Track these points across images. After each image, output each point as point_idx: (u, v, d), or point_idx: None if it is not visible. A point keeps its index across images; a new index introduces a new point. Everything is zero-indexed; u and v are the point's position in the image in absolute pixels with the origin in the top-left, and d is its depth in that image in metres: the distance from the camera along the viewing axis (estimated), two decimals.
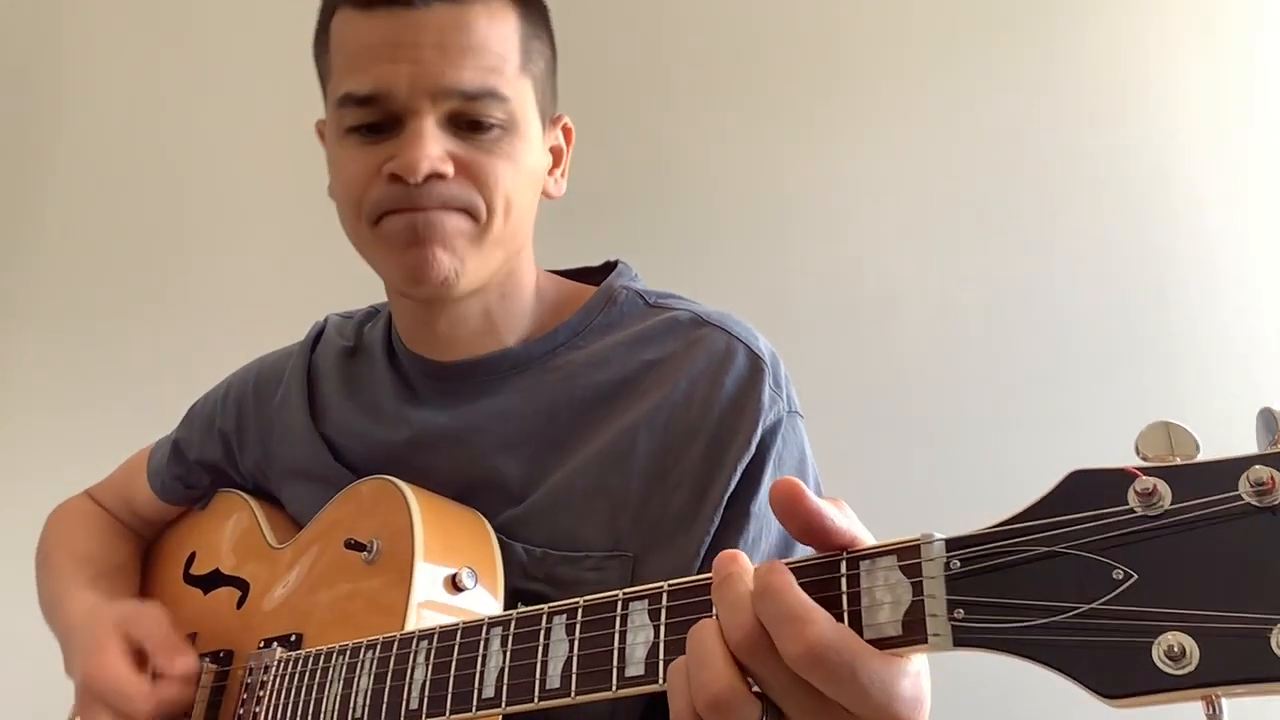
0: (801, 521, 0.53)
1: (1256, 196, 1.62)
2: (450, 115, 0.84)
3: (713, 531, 0.84)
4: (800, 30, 1.82)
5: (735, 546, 0.82)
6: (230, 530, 1.08)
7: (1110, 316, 1.61)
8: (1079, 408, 1.53)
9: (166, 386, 1.26)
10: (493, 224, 0.87)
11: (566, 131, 0.97)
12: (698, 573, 0.66)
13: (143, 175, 2.05)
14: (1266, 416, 0.46)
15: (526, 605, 0.69)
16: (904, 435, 1.62)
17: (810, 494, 0.53)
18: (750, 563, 0.55)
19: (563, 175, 0.97)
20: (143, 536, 1.19)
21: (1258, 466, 0.44)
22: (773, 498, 0.54)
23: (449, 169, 0.84)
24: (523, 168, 0.88)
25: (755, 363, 0.89)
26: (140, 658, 0.92)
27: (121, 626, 0.93)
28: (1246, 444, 0.46)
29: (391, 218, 0.86)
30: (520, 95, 0.87)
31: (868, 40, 1.80)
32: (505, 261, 0.91)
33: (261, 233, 1.96)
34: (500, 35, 0.85)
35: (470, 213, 0.86)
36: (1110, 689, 0.44)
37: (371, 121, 0.85)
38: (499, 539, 0.87)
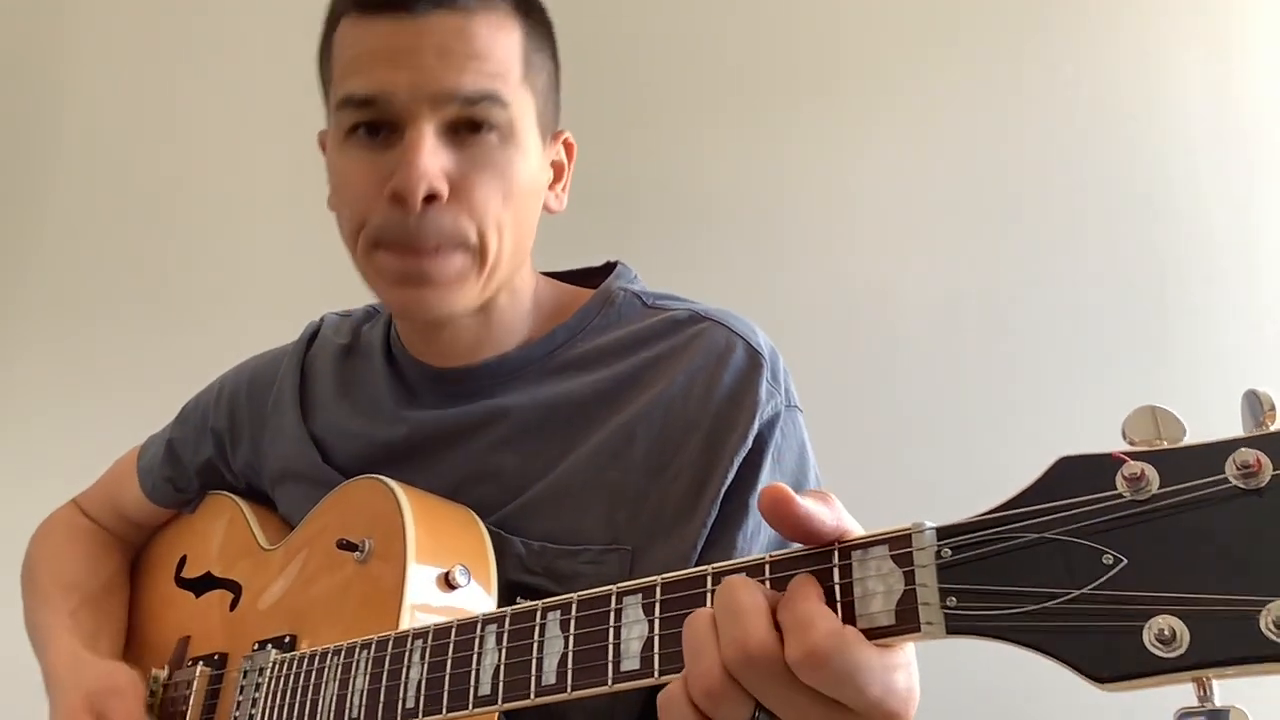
0: (791, 526, 0.54)
1: (1258, 195, 1.61)
2: (450, 122, 0.84)
3: (710, 525, 0.84)
4: (796, 28, 1.80)
5: (733, 540, 0.83)
6: (221, 532, 1.08)
7: (1110, 315, 1.60)
8: (1078, 407, 1.52)
9: (161, 386, 1.25)
10: (488, 250, 0.86)
11: (568, 146, 0.97)
12: (695, 566, 0.66)
13: (138, 175, 2.03)
14: (1251, 399, 0.46)
15: (525, 599, 0.69)
16: (901, 430, 1.62)
17: (798, 499, 0.54)
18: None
19: (564, 190, 0.97)
20: (132, 544, 1.19)
21: (1244, 449, 0.44)
22: (761, 505, 0.55)
23: (444, 188, 0.83)
24: (517, 181, 0.87)
25: (754, 357, 0.89)
26: None
27: (92, 703, 0.95)
28: None
29: (385, 255, 0.86)
30: (520, 104, 0.87)
31: (865, 38, 1.78)
32: (509, 279, 0.92)
33: (258, 232, 1.94)
34: (503, 44, 0.86)
35: (465, 245, 0.85)
36: (1102, 672, 0.45)
37: (370, 120, 0.85)
38: (497, 533, 0.87)
